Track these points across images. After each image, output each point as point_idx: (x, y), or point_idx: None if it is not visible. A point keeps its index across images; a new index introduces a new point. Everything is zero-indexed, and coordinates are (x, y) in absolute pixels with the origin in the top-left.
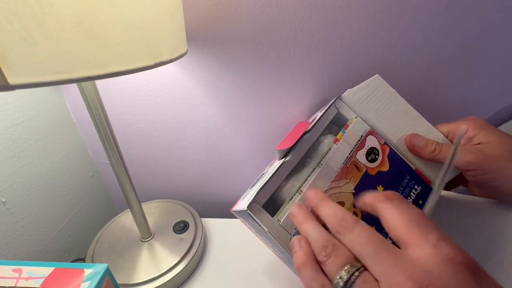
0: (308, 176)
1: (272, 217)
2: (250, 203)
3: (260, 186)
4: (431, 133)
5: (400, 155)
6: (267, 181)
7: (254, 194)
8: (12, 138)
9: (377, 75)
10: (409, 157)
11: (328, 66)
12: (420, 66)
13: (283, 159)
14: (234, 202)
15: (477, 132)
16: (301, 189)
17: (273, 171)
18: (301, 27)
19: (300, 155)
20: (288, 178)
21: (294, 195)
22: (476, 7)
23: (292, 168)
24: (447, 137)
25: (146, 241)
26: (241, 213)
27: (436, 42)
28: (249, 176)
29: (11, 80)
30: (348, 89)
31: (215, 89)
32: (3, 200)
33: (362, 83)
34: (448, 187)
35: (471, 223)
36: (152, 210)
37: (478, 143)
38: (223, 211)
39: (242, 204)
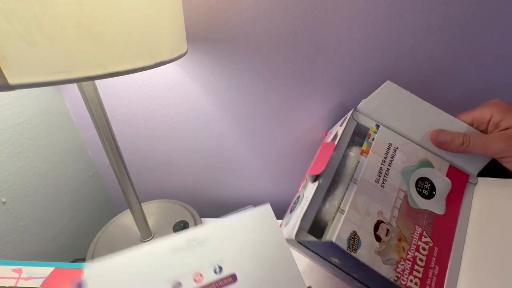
0: (345, 194)
1: (319, 240)
2: (298, 231)
3: (303, 213)
4: (454, 125)
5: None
6: (308, 206)
7: (299, 222)
8: (12, 138)
9: (388, 81)
10: (439, 153)
11: (328, 65)
12: (420, 65)
13: (316, 181)
14: (234, 202)
15: (503, 116)
16: (340, 207)
17: (311, 196)
18: (301, 27)
19: (331, 174)
20: (325, 199)
21: (336, 214)
22: (476, 6)
23: (327, 188)
24: (472, 126)
25: (146, 241)
26: (289, 241)
27: (436, 42)
28: (248, 176)
29: (11, 80)
30: (363, 100)
31: (215, 89)
32: (3, 200)
33: (374, 91)
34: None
35: None
36: (152, 210)
37: (506, 128)
38: (223, 211)
39: (288, 233)
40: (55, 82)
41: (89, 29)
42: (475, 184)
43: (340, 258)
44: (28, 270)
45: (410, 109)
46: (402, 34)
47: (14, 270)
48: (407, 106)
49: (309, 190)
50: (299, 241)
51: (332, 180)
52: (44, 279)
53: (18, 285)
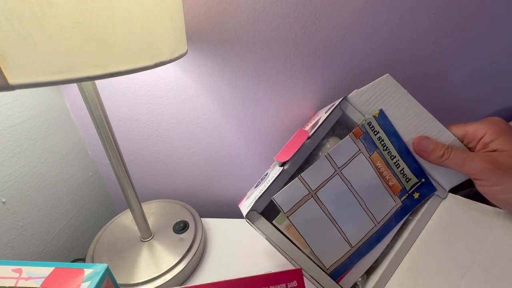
0: None
1: (271, 222)
2: (249, 212)
3: (259, 195)
4: (443, 135)
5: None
6: (266, 189)
7: (253, 202)
8: (12, 138)
9: (387, 74)
10: (419, 162)
11: (328, 66)
12: (420, 66)
13: (282, 167)
14: (234, 202)
15: (495, 138)
16: None
17: (272, 180)
18: (301, 27)
19: (299, 162)
20: (286, 184)
21: None
22: (476, 6)
23: (291, 175)
24: (462, 141)
25: (146, 241)
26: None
27: (436, 42)
28: (249, 176)
29: (11, 80)
30: (355, 90)
31: (215, 89)
32: (3, 200)
33: (370, 83)
34: (459, 188)
35: (478, 231)
36: (152, 210)
37: (494, 150)
38: (223, 211)
39: (243, 209)
40: (55, 82)
41: (89, 29)
42: (444, 198)
43: None
44: (28, 270)
45: (403, 110)
46: (402, 35)
47: (14, 270)
48: (400, 106)
49: (274, 172)
50: (248, 222)
51: (299, 168)
52: (44, 279)
53: (18, 285)
